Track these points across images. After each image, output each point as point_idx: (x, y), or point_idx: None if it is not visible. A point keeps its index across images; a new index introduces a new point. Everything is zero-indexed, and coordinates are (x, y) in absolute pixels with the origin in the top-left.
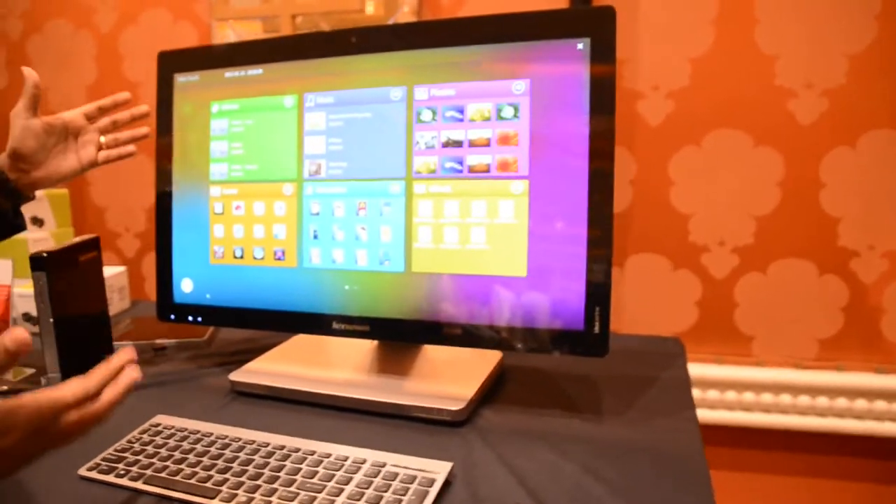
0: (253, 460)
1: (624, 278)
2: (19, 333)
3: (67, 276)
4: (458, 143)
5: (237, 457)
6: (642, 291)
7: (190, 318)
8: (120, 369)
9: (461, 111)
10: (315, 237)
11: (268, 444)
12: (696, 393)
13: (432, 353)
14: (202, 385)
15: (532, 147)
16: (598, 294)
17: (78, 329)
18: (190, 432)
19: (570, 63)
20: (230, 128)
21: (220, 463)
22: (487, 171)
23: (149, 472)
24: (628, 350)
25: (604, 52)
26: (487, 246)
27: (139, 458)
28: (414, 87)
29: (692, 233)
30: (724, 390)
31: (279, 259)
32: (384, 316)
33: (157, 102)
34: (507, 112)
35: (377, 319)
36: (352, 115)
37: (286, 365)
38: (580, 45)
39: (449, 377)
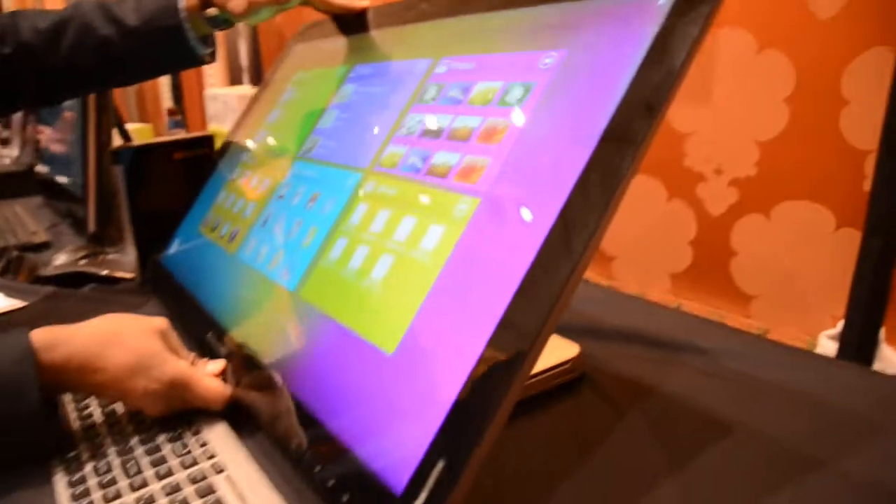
0: None
1: None
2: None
3: (155, 173)
4: (437, 134)
5: None
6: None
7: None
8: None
9: (467, 91)
10: (264, 224)
11: None
12: None
13: None
14: None
15: (513, 152)
16: (454, 439)
17: (167, 227)
18: None
19: (633, 27)
20: (290, 96)
21: None
22: (446, 175)
23: None
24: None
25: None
26: (380, 289)
27: None
28: (441, 60)
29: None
30: None
31: (230, 240)
32: (246, 346)
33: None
34: (514, 95)
35: (237, 348)
36: (370, 89)
37: None
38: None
39: None
